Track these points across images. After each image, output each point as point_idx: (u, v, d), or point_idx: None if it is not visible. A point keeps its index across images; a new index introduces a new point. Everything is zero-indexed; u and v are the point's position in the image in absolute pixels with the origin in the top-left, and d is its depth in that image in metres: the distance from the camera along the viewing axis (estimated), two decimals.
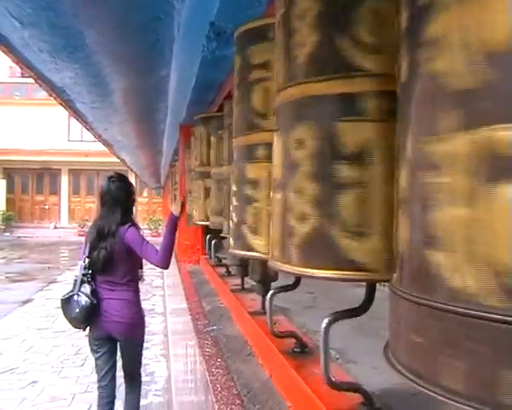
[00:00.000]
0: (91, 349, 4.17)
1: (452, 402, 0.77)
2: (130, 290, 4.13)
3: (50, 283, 13.89)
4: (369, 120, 1.30)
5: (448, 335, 0.79)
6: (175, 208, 4.42)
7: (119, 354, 4.29)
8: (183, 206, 4.74)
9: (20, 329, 8.99)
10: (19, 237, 27.56)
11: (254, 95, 2.06)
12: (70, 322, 4.08)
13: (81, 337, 8.22)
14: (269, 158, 1.83)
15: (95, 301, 3.92)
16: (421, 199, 0.86)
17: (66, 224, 30.35)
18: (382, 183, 1.27)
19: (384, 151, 1.28)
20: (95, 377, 6.45)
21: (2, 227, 27.90)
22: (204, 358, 2.61)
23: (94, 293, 3.94)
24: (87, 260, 4.00)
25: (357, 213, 1.31)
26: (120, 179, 4.22)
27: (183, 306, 4.41)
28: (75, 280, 4.01)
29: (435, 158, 0.83)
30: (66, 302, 3.97)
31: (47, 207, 30.69)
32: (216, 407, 1.99)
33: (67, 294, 4.00)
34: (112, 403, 4.19)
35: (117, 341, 4.14)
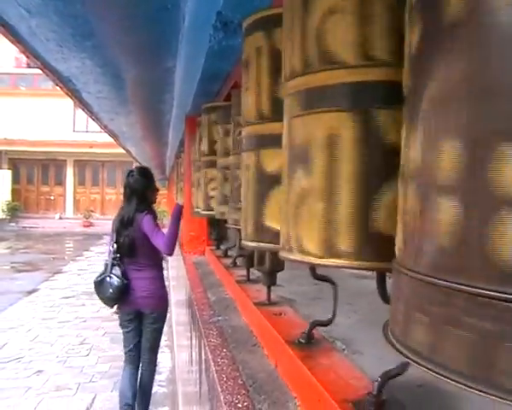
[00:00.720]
0: (121, 324, 4.65)
1: (447, 380, 0.78)
2: (155, 269, 4.65)
3: (55, 273, 13.93)
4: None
5: (445, 311, 0.80)
6: (181, 200, 5.07)
7: None
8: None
9: (26, 319, 9.01)
10: (24, 227, 27.62)
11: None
12: (103, 301, 4.53)
13: (86, 328, 8.27)
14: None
15: (126, 281, 4.41)
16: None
17: (72, 215, 30.38)
18: None
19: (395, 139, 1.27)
20: (99, 367, 6.51)
21: (8, 217, 27.96)
22: (209, 348, 2.61)
23: (124, 274, 4.41)
24: (115, 246, 4.48)
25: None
26: (139, 173, 4.69)
27: (188, 297, 4.41)
28: (106, 264, 4.49)
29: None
30: (100, 284, 4.44)
31: (52, 197, 30.73)
32: (221, 397, 1.99)
33: (99, 276, 4.46)
34: (136, 370, 4.66)
35: (141, 319, 4.60)
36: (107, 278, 4.38)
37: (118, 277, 4.37)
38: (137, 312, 4.57)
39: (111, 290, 4.35)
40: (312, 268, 2.03)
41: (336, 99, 1.37)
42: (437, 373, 0.79)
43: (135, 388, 4.60)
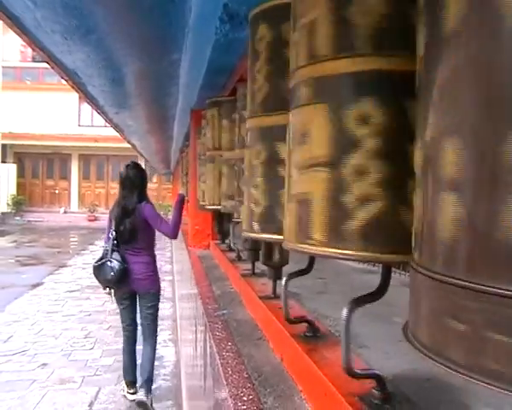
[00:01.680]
0: (118, 303, 5.14)
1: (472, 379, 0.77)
2: (149, 255, 5.13)
3: (60, 267, 13.96)
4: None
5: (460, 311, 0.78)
6: (183, 190, 5.85)
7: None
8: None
9: (31, 312, 9.03)
10: (29, 221, 27.69)
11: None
12: (102, 283, 4.97)
13: (90, 321, 8.29)
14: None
15: (126, 265, 4.85)
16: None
17: (76, 209, 30.46)
18: None
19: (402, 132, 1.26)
20: (104, 360, 6.52)
21: (13, 211, 28.03)
22: (214, 341, 2.60)
23: (123, 258, 4.86)
24: (114, 233, 4.91)
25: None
26: (136, 167, 5.20)
27: (193, 291, 4.41)
28: (106, 250, 4.91)
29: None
30: (99, 268, 4.89)
31: (57, 191, 30.80)
32: (226, 390, 1.98)
33: (99, 261, 4.91)
34: (135, 345, 5.19)
35: (135, 298, 5.12)
36: (108, 263, 4.83)
37: (118, 261, 4.83)
38: (132, 292, 5.05)
39: (112, 273, 4.79)
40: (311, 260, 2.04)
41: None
42: (471, 378, 0.76)
43: (134, 363, 5.18)
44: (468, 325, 0.77)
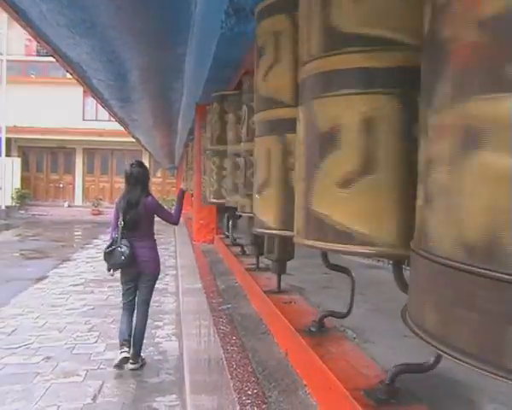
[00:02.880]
0: (124, 283, 5.76)
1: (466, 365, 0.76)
2: (151, 240, 5.77)
3: (64, 261, 13.95)
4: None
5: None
6: (184, 185, 6.33)
7: None
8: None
9: (35, 305, 9.02)
10: (33, 214, 27.68)
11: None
12: (113, 266, 5.59)
13: (94, 315, 8.29)
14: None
15: (133, 250, 5.47)
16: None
17: (81, 203, 30.45)
18: None
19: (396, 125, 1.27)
20: (108, 354, 6.53)
21: (17, 205, 28.05)
22: (219, 335, 2.60)
23: (131, 244, 5.47)
24: (123, 223, 5.51)
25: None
26: (139, 165, 5.75)
27: (197, 285, 4.41)
28: (116, 237, 5.56)
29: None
30: (110, 254, 5.53)
31: (61, 185, 30.81)
32: (231, 384, 1.98)
33: (109, 248, 5.56)
34: (132, 315, 5.80)
35: (139, 278, 5.69)
36: (119, 248, 5.46)
37: (127, 246, 5.44)
38: (138, 273, 5.65)
39: (123, 258, 5.44)
40: (325, 257, 2.01)
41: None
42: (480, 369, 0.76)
43: (130, 328, 5.75)
44: (471, 310, 0.77)
